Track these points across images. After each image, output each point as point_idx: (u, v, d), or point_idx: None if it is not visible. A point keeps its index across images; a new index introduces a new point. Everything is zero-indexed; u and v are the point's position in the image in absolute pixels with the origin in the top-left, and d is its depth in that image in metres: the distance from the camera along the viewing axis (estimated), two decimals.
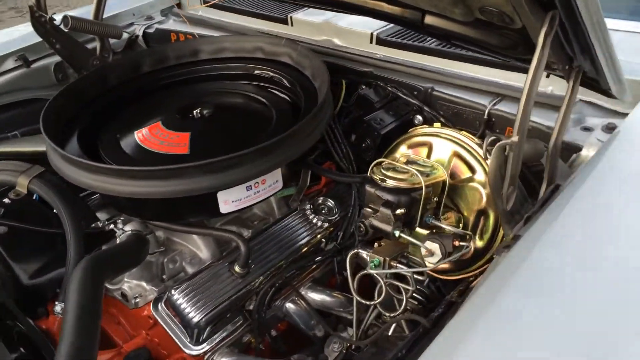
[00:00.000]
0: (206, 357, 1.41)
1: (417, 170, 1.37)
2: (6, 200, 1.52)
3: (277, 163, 1.39)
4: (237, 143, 1.42)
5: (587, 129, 1.50)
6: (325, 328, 1.52)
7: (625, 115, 1.49)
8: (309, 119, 1.44)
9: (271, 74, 1.80)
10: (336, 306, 1.60)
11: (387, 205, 1.28)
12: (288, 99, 1.75)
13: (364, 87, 1.79)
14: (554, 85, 1.58)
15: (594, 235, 1.10)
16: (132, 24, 2.46)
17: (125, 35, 2.34)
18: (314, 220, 1.65)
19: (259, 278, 1.49)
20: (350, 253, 1.40)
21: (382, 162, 1.37)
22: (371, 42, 1.87)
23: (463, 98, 1.63)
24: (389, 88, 1.72)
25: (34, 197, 1.56)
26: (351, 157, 1.72)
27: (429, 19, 1.42)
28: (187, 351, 1.38)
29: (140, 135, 1.56)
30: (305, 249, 1.59)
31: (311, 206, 1.66)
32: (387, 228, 1.28)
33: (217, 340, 1.42)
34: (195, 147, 1.50)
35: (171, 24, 2.40)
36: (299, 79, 1.72)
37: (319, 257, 1.60)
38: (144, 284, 1.49)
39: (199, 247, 1.57)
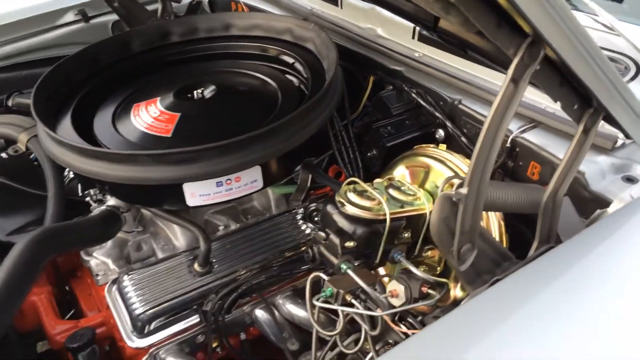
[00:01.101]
0: (150, 350, 1.35)
1: (395, 199, 1.18)
2: (3, 155, 1.55)
3: (245, 163, 1.26)
4: (225, 130, 1.32)
5: (630, 180, 1.20)
6: (287, 352, 1.40)
7: None
8: (294, 117, 1.29)
9: (293, 60, 1.66)
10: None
11: (339, 234, 1.11)
12: (304, 88, 1.60)
13: (390, 87, 1.59)
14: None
15: (565, 328, 0.87)
16: None
17: (185, 0, 2.30)
18: (302, 227, 1.51)
19: (221, 280, 1.39)
20: (311, 275, 1.25)
21: (355, 182, 1.20)
22: (413, 37, 1.65)
23: None
24: (413, 94, 1.51)
25: (32, 156, 1.57)
26: (359, 165, 1.54)
27: (443, 22, 1.20)
28: (127, 341, 1.33)
29: (136, 110, 1.50)
30: (284, 256, 1.46)
31: (304, 211, 1.52)
32: (333, 260, 1.11)
33: (165, 336, 1.35)
34: (180, 131, 1.41)
35: None
36: (316, 68, 1.56)
37: (299, 269, 1.47)
38: (109, 262, 1.46)
39: (175, 233, 1.50)
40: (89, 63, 1.63)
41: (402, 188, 1.22)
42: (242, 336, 1.52)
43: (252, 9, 2.13)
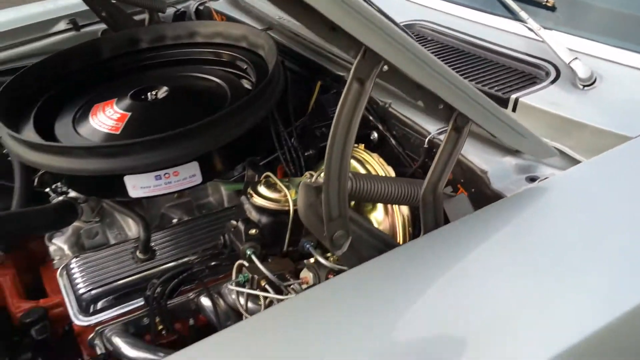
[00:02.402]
0: (97, 328, 1.48)
1: None
2: None
3: (178, 157, 1.37)
4: (169, 127, 1.43)
5: (533, 180, 1.27)
6: None
7: None
8: (226, 114, 1.40)
9: (246, 65, 1.77)
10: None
11: (245, 222, 1.22)
12: None
13: (333, 92, 1.69)
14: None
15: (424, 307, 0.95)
16: None
17: (171, 10, 2.45)
18: None
19: (162, 266, 1.51)
20: (236, 263, 1.35)
21: (268, 176, 1.30)
22: None
23: (413, 120, 1.46)
24: None
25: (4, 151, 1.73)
26: (302, 164, 1.64)
27: None
28: (74, 320, 1.46)
29: (94, 111, 1.64)
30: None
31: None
32: (239, 245, 1.22)
33: (110, 316, 1.47)
34: (128, 128, 1.54)
35: (220, 4, 2.46)
36: (263, 73, 1.67)
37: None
38: (65, 247, 1.59)
39: (128, 223, 1.63)
40: (59, 68, 1.78)
41: None
42: (191, 322, 1.63)
43: (228, 18, 2.26)
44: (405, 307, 0.91)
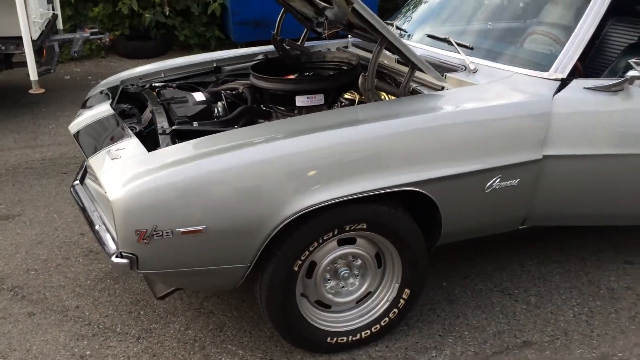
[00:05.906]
0: None
1: None
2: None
3: (315, 89, 3.75)
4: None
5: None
6: None
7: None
8: (332, 75, 3.80)
9: (342, 65, 4.20)
10: None
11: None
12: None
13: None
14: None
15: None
16: None
17: None
18: None
19: None
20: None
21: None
22: None
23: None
24: None
25: None
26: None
27: None
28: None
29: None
30: None
31: None
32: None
33: None
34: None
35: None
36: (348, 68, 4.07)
37: None
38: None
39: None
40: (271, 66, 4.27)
41: None
42: None
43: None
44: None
